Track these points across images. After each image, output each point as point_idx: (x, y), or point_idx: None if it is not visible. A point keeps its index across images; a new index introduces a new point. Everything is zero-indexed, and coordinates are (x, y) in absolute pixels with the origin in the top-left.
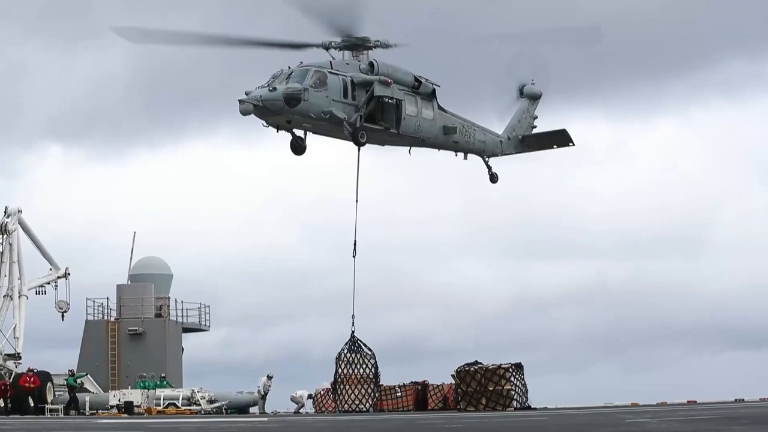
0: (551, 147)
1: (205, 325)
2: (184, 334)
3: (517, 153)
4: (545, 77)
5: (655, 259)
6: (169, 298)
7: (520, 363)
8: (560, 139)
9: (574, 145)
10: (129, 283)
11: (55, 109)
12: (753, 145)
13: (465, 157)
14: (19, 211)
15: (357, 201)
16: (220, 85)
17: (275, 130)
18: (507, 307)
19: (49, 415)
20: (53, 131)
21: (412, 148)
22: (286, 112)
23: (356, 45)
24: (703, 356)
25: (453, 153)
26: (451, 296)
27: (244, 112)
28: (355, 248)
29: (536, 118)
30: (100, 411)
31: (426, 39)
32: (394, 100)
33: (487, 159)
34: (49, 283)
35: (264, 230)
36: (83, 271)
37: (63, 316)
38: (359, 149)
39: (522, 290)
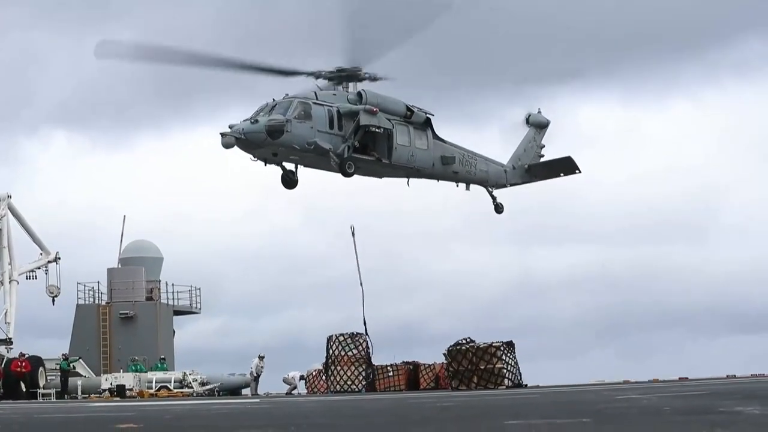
0: (558, 175)
1: (197, 307)
2: (176, 318)
3: (523, 183)
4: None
5: (660, 244)
6: (159, 281)
7: (511, 341)
8: (566, 167)
9: (580, 172)
10: (119, 266)
11: (54, 95)
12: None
13: (467, 188)
14: (9, 197)
15: (362, 284)
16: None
17: (263, 163)
18: (508, 292)
19: (41, 400)
20: (51, 117)
21: (411, 179)
22: (269, 144)
23: (346, 76)
24: (704, 341)
25: (454, 183)
26: (452, 282)
27: (227, 146)
28: (365, 325)
29: (543, 147)
30: (92, 395)
31: (420, 65)
32: (382, 130)
33: (491, 189)
34: (39, 268)
35: (263, 217)
36: (75, 256)
37: (54, 300)
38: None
39: (523, 276)
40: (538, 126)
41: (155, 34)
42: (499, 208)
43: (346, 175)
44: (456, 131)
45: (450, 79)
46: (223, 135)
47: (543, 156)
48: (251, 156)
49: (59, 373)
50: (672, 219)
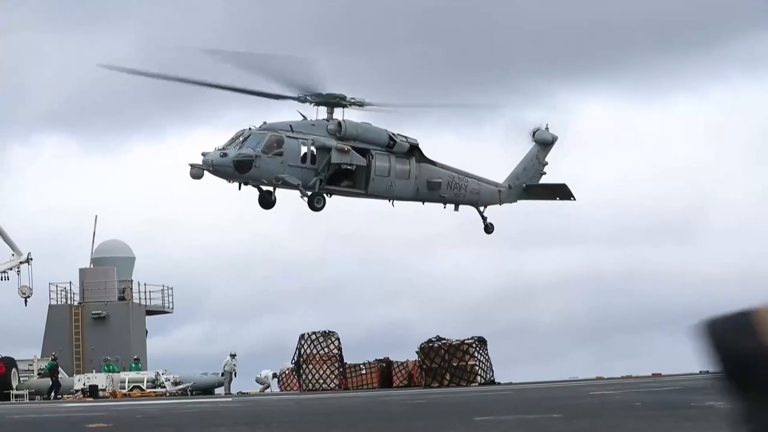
0: (554, 198)
1: (169, 307)
2: (150, 318)
3: (518, 200)
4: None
5: (652, 246)
6: (131, 281)
7: (483, 338)
8: (561, 192)
9: (575, 199)
10: (92, 266)
11: (36, 97)
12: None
13: (456, 209)
14: None
15: None
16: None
17: (238, 186)
18: (496, 295)
19: (14, 401)
20: (35, 119)
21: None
22: (236, 177)
23: (331, 102)
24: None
25: (441, 205)
26: (440, 286)
27: (195, 177)
28: None
29: (546, 164)
30: (65, 395)
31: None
32: (354, 167)
33: (482, 210)
34: (11, 269)
35: (243, 218)
36: (47, 256)
37: (26, 301)
38: None
39: (512, 279)
40: (543, 143)
41: (148, 41)
42: (488, 228)
43: (314, 209)
44: (457, 131)
45: (452, 76)
46: (192, 166)
47: (545, 173)
48: (225, 180)
49: (49, 373)
50: (661, 220)
